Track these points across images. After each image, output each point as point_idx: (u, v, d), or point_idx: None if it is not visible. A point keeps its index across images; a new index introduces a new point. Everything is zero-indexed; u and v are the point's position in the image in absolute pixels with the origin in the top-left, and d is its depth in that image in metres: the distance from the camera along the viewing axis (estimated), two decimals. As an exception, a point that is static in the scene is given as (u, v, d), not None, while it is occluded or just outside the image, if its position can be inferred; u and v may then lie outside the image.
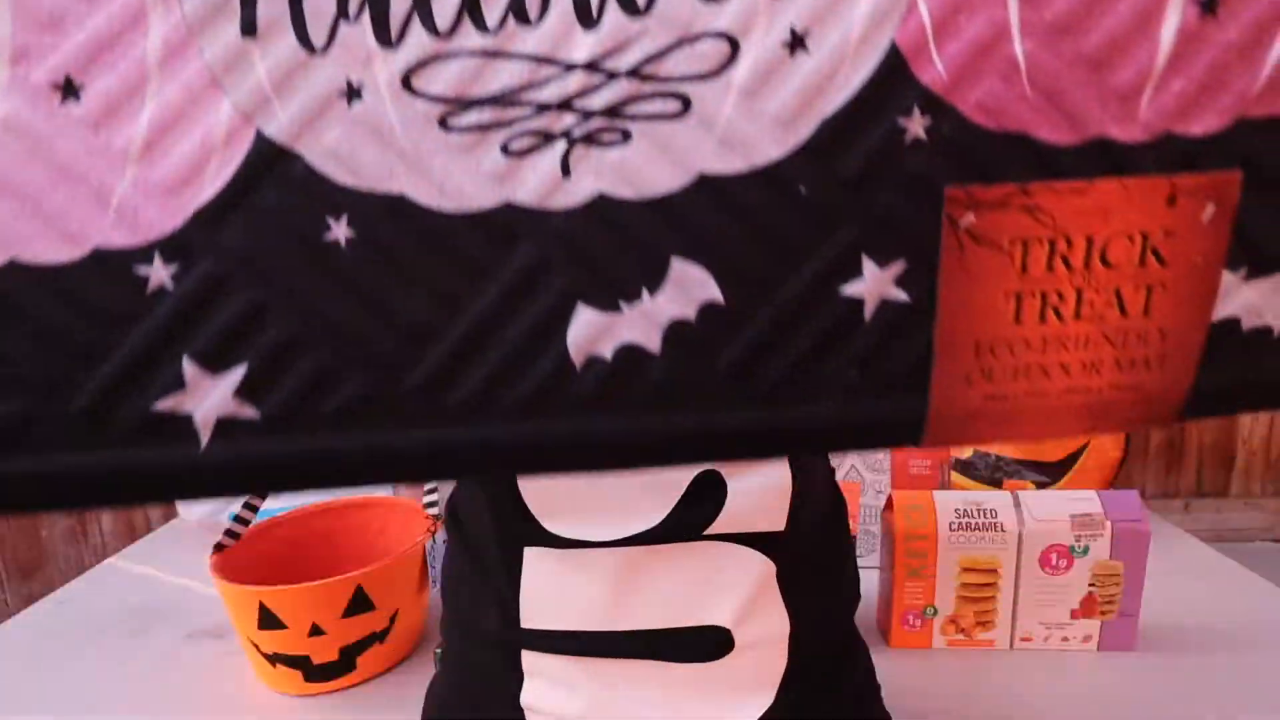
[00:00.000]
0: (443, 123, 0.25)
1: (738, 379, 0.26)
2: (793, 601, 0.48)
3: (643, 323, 0.26)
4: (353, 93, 0.25)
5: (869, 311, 0.26)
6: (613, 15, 0.24)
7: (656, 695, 0.47)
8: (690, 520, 0.47)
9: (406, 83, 0.25)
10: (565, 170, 0.25)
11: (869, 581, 0.82)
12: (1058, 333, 0.26)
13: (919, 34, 0.23)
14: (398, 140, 0.25)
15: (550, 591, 0.48)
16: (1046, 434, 0.29)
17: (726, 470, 0.47)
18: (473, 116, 0.25)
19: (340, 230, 0.25)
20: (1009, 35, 0.23)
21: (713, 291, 0.25)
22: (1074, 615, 0.73)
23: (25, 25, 0.24)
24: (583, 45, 0.24)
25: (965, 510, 0.73)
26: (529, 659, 0.49)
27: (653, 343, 0.26)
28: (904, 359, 0.27)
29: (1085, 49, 0.24)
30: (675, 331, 0.26)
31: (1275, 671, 0.70)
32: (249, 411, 0.26)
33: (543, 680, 0.49)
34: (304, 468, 0.27)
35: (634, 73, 0.24)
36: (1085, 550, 0.71)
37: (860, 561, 0.84)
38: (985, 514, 0.73)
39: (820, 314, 0.26)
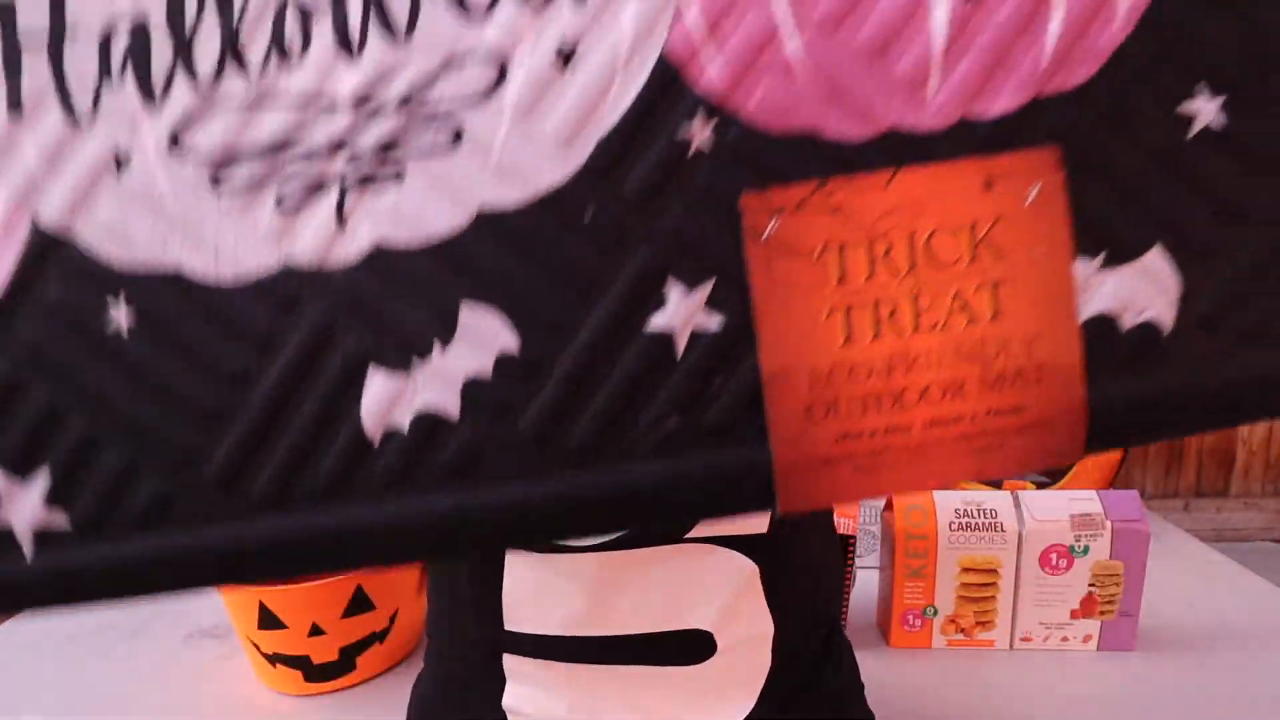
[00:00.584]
0: (214, 181, 0.24)
1: (544, 440, 0.24)
2: (776, 603, 0.48)
3: (438, 383, 0.24)
4: (121, 161, 0.24)
5: (680, 346, 0.24)
6: (374, 43, 0.23)
7: (638, 699, 0.47)
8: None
9: (175, 141, 0.24)
10: (340, 219, 0.24)
11: (869, 581, 0.82)
12: (901, 350, 0.24)
13: (689, 41, 0.22)
14: (169, 208, 0.24)
15: (532, 596, 0.48)
16: (926, 481, 0.25)
17: None
18: (244, 171, 0.24)
19: (121, 316, 0.25)
20: (781, 33, 0.23)
21: (507, 340, 0.24)
22: (1074, 615, 0.73)
23: None
24: (347, 79, 0.23)
25: (965, 510, 0.73)
26: (510, 661, 0.49)
27: (450, 406, 0.24)
28: (730, 398, 0.24)
29: (860, 41, 0.23)
30: (473, 390, 0.24)
31: (1275, 671, 0.70)
32: (60, 519, 0.25)
33: (525, 683, 0.49)
34: (126, 577, 0.26)
35: (403, 104, 0.23)
36: (1085, 550, 0.71)
37: (860, 561, 0.84)
38: (985, 514, 0.73)
39: (625, 355, 0.24)
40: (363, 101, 0.23)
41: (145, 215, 0.24)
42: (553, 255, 0.23)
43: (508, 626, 0.48)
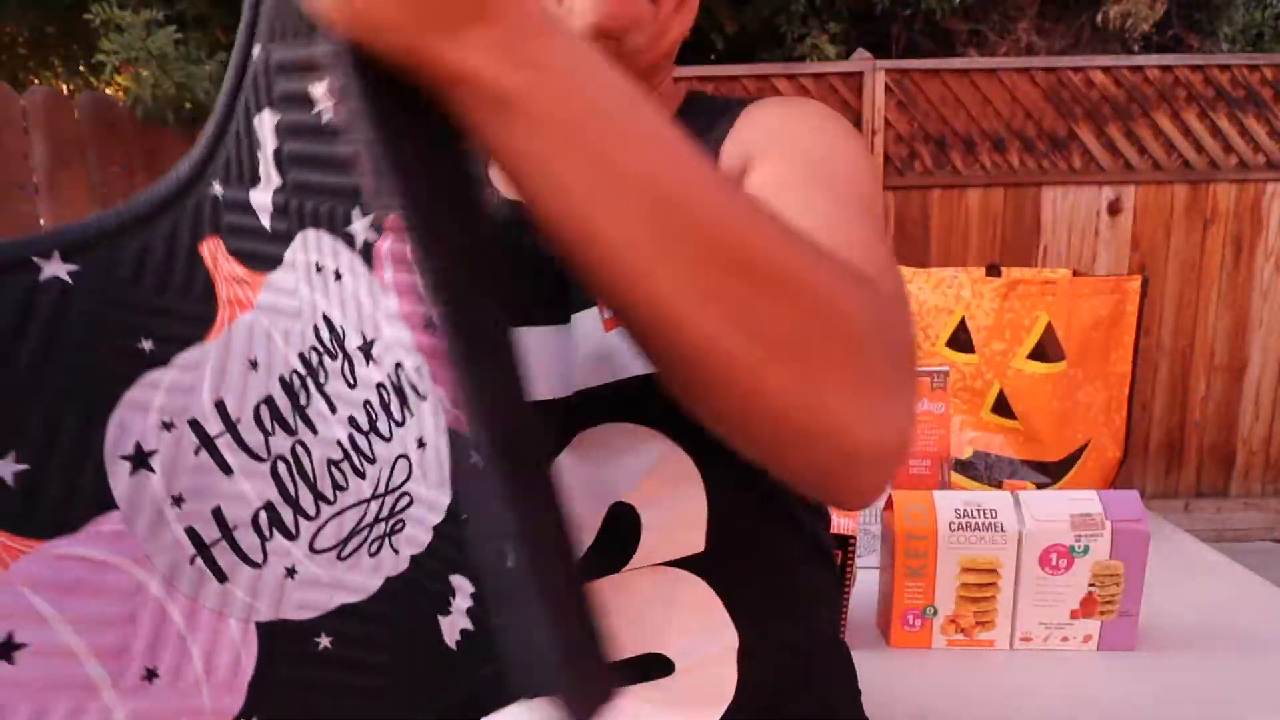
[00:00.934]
0: (339, 556, 0.43)
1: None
2: (740, 614, 0.47)
3: (461, 616, 0.42)
4: (291, 572, 0.43)
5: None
6: (353, 483, 0.43)
7: None
8: (607, 557, 0.47)
9: (312, 548, 0.43)
10: (395, 551, 0.43)
11: (869, 581, 0.82)
12: None
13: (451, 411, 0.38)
14: (324, 579, 0.43)
15: None
16: None
17: (640, 501, 0.46)
18: (350, 545, 0.43)
19: (324, 639, 0.44)
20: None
21: (471, 586, 0.41)
22: (1074, 615, 0.73)
23: (103, 661, 0.39)
24: (363, 490, 0.43)
25: (965, 510, 0.73)
26: None
27: (469, 622, 0.42)
28: None
29: None
30: (472, 611, 0.41)
31: (1275, 671, 0.70)
32: None
33: None
34: None
35: (384, 493, 0.42)
36: (1085, 550, 0.71)
37: (860, 561, 0.84)
38: (985, 514, 0.72)
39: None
40: (372, 498, 0.43)
41: (315, 589, 0.43)
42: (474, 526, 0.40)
43: None
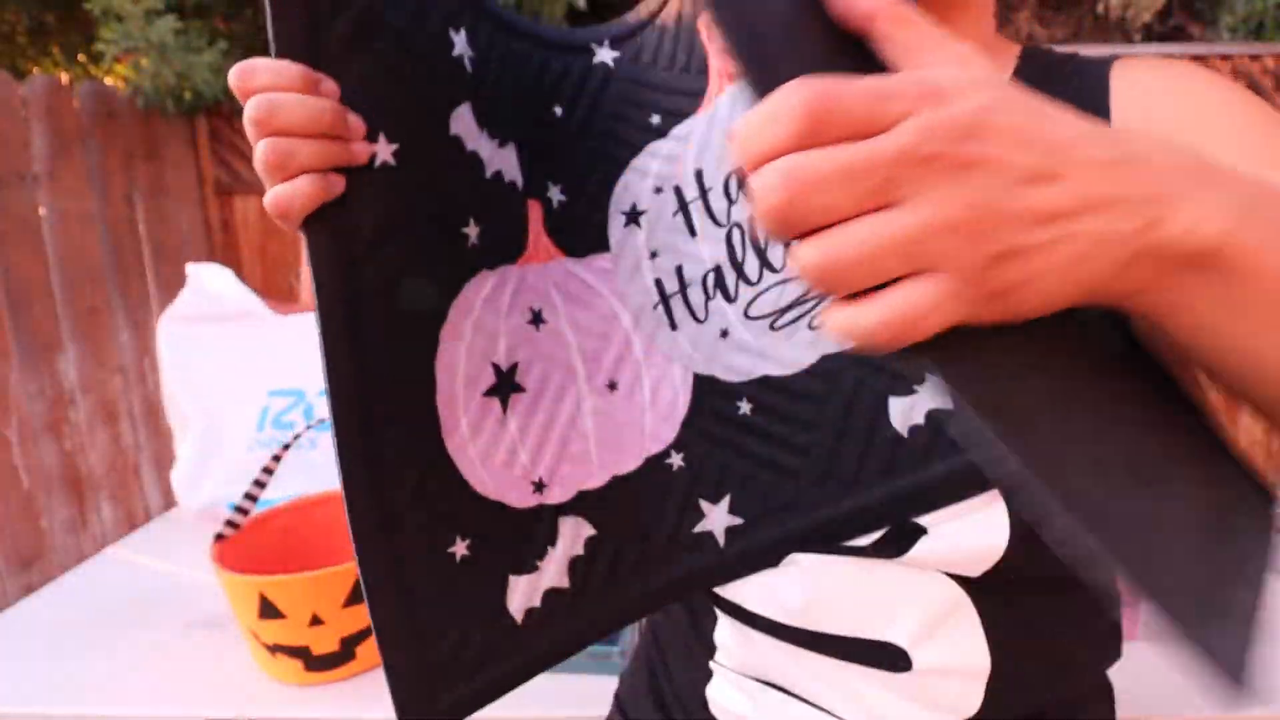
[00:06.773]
0: (772, 326, 0.46)
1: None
2: (997, 643, 0.45)
3: (921, 405, 0.43)
4: (724, 334, 0.47)
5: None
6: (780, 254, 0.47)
7: (831, 680, 0.47)
8: (883, 546, 0.45)
9: (747, 314, 0.47)
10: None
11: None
12: None
13: None
14: (752, 346, 0.47)
15: (753, 578, 0.49)
16: None
17: (930, 519, 0.44)
18: (786, 317, 0.46)
19: (745, 406, 0.47)
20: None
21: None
22: None
23: (584, 358, 0.50)
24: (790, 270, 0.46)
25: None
26: (721, 642, 0.50)
27: (922, 419, 0.44)
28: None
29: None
30: (933, 414, 0.44)
31: (1273, 664, 0.70)
32: (737, 521, 0.49)
33: (726, 684, 0.50)
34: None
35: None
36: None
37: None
38: (984, 505, 0.72)
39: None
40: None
41: (741, 354, 0.47)
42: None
43: (722, 592, 0.50)
